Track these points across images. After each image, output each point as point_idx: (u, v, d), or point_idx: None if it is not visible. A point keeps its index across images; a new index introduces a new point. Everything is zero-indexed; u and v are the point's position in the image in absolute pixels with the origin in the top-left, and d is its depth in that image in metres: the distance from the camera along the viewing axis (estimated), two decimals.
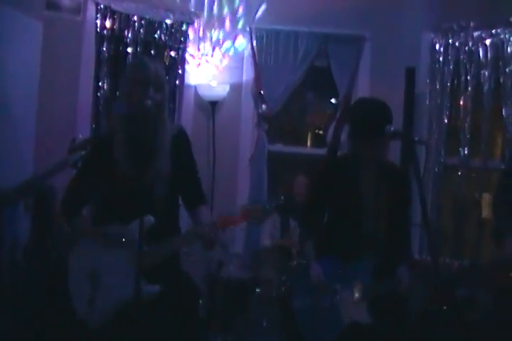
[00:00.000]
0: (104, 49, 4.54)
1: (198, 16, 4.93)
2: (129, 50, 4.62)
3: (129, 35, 4.63)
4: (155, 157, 2.44)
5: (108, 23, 4.55)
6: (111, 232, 2.45)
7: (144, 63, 2.49)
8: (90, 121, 4.53)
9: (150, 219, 2.36)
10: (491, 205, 3.33)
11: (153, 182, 2.43)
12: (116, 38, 4.60)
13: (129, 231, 2.38)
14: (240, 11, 4.99)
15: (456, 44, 4.68)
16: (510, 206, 3.13)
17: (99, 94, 4.53)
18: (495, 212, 3.19)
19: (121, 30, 4.61)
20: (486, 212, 4.57)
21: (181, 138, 2.58)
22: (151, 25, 4.73)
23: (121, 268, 2.42)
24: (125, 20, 4.62)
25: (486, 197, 4.56)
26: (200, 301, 4.00)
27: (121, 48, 4.62)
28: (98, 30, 4.52)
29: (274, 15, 4.95)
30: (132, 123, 2.42)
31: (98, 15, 4.52)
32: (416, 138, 2.42)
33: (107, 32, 4.55)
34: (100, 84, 4.53)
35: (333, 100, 5.09)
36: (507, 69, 4.43)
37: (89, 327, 2.43)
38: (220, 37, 4.98)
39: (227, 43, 4.99)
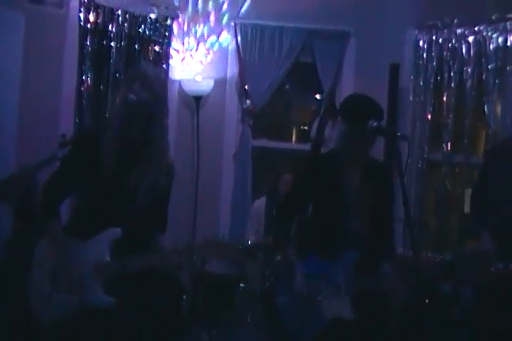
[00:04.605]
0: (88, 43, 4.50)
1: (183, 11, 4.91)
2: (113, 44, 4.59)
3: (113, 29, 4.59)
4: (144, 159, 2.41)
5: (92, 17, 4.51)
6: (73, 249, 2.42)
7: (137, 64, 2.48)
8: (73, 115, 4.49)
9: (117, 230, 2.36)
10: (469, 201, 3.37)
11: (136, 187, 2.41)
12: (99, 32, 4.56)
13: (93, 247, 2.39)
14: (225, 6, 4.97)
15: (440, 41, 4.70)
16: (487, 202, 3.17)
17: (82, 88, 4.50)
18: (472, 207, 3.23)
19: (105, 24, 4.57)
20: (468, 208, 4.60)
21: (169, 173, 2.53)
22: (135, 20, 4.69)
23: (81, 269, 2.40)
24: (109, 14, 4.58)
25: (469, 193, 4.59)
26: (184, 297, 4.01)
27: (104, 42, 4.59)
28: (82, 23, 4.47)
29: (259, 11, 4.94)
30: (124, 122, 2.39)
31: (81, 9, 4.47)
32: (398, 134, 2.44)
33: (91, 26, 4.51)
34: (84, 78, 4.50)
35: (317, 96, 5.09)
36: (489, 67, 4.46)
37: (43, 324, 2.39)
38: (205, 32, 4.97)
39: (212, 38, 4.98)
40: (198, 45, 4.95)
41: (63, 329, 2.35)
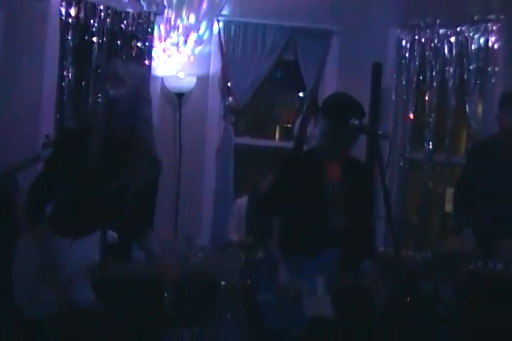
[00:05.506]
0: (69, 38, 4.45)
1: (166, 7, 4.87)
2: (95, 39, 4.54)
3: (95, 24, 4.55)
4: (130, 156, 2.40)
5: (73, 12, 4.45)
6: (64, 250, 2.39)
7: (110, 61, 2.48)
8: (54, 111, 4.45)
9: (113, 235, 2.35)
10: (452, 199, 3.41)
11: (124, 185, 2.40)
12: (81, 27, 4.51)
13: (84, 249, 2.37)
14: (208, 2, 4.95)
15: (422, 40, 4.73)
16: (468, 201, 3.20)
17: (63, 83, 4.45)
18: (454, 205, 3.27)
19: (87, 19, 4.52)
20: (449, 206, 4.65)
21: (155, 168, 2.52)
22: (118, 15, 4.65)
23: (68, 268, 2.38)
24: (91, 9, 4.53)
25: (450, 192, 4.63)
26: (165, 294, 3.99)
27: (86, 38, 4.54)
28: (63, 18, 4.42)
29: (243, 8, 4.93)
30: (107, 120, 2.38)
31: (63, 3, 4.42)
32: (379, 132, 2.45)
33: (72, 20, 4.45)
34: (65, 73, 4.45)
35: (300, 94, 5.10)
36: (471, 67, 4.50)
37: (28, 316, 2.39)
38: (188, 28, 4.94)
39: (194, 35, 4.96)
40: (180, 41, 4.93)
41: (50, 328, 2.34)
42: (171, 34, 4.92)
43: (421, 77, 4.73)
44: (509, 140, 3.11)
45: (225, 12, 4.93)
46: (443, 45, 4.63)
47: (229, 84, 4.88)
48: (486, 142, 3.46)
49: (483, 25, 4.46)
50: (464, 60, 4.54)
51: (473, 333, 2.91)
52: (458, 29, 4.57)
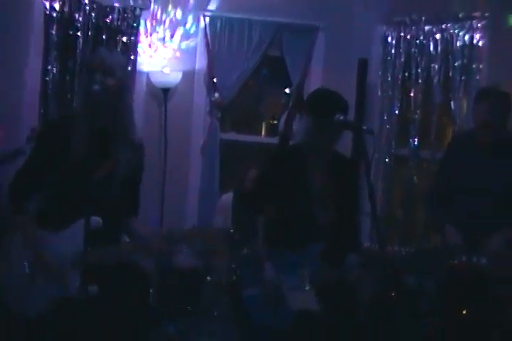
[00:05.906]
0: (54, 32, 4.41)
1: (152, 1, 4.85)
2: (79, 34, 4.51)
3: (80, 18, 4.51)
4: (113, 144, 2.40)
5: (57, 5, 4.42)
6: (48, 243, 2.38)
7: (95, 51, 2.49)
8: (38, 105, 4.41)
9: (98, 221, 2.34)
10: (427, 196, 3.43)
11: (107, 175, 2.39)
12: (66, 21, 4.48)
13: (69, 237, 2.36)
14: None
15: (408, 37, 4.75)
16: (444, 196, 3.22)
17: (47, 78, 4.42)
18: (431, 202, 3.28)
19: (72, 13, 4.49)
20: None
21: (139, 152, 2.53)
22: (103, 9, 4.62)
23: (58, 260, 2.37)
24: (75, 3, 4.50)
25: None
26: (151, 290, 3.98)
27: (71, 32, 4.50)
28: (47, 12, 4.38)
29: (229, 3, 4.91)
30: (92, 111, 2.37)
31: None
32: (364, 128, 2.46)
33: (57, 14, 4.42)
34: (49, 68, 4.42)
35: (286, 90, 5.10)
36: (456, 64, 4.53)
37: (23, 314, 2.38)
38: (173, 24, 4.92)
39: (180, 30, 4.93)
40: (166, 36, 4.91)
41: (41, 321, 2.33)
42: (157, 29, 4.89)
43: (406, 74, 4.74)
44: (484, 133, 3.13)
45: (211, 7, 4.92)
46: (428, 41, 4.65)
47: (215, 79, 4.86)
48: (463, 136, 3.49)
49: (468, 22, 4.49)
50: (449, 57, 4.56)
51: (456, 327, 2.93)
52: (443, 26, 4.59)
